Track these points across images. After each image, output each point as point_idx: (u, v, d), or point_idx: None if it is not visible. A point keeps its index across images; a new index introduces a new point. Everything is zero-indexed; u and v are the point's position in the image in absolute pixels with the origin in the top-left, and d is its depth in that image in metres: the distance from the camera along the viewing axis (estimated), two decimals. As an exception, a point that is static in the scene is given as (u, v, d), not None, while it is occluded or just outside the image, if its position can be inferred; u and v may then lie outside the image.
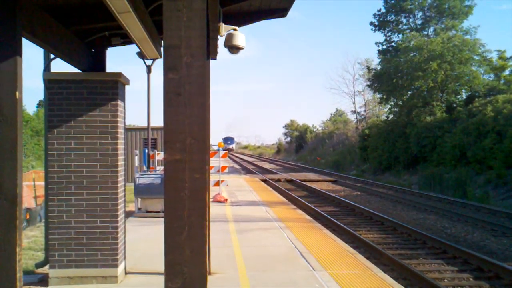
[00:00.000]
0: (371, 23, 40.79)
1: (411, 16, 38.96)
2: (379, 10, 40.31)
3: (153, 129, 22.35)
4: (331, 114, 74.14)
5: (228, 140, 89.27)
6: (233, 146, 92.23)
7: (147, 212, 12.70)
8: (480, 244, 11.86)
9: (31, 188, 14.14)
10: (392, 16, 39.51)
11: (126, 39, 6.52)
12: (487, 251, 11.08)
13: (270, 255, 8.47)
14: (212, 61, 7.73)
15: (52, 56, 6.96)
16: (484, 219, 14.98)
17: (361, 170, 37.93)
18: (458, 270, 9.34)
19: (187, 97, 2.36)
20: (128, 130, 24.35)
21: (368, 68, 46.67)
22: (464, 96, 31.98)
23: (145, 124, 17.91)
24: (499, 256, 10.61)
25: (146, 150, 16.43)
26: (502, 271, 8.79)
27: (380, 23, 40.09)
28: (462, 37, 32.25)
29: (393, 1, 38.90)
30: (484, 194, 20.35)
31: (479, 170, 23.02)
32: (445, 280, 8.73)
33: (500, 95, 25.91)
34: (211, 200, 12.91)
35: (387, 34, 40.11)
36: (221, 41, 7.17)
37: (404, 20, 39.49)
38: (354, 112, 57.48)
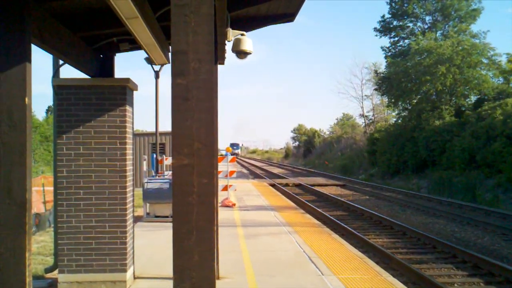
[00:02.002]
0: (376, 29, 40.75)
1: (418, 20, 38.87)
2: (383, 16, 40.30)
3: (161, 134, 22.41)
4: (337, 119, 74.10)
5: (233, 146, 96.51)
6: (238, 151, 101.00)
7: (156, 217, 12.73)
8: (491, 249, 11.77)
9: (40, 193, 14.22)
10: (396, 22, 39.42)
11: (134, 45, 6.54)
12: (497, 256, 11.00)
13: (279, 260, 8.45)
14: (219, 66, 7.75)
15: (60, 62, 7.01)
16: (494, 223, 14.86)
17: (369, 174, 37.79)
18: (468, 275, 9.27)
19: (195, 102, 2.36)
20: (136, 135, 24.44)
21: (376, 72, 46.60)
22: (473, 100, 31.83)
23: (153, 129, 17.96)
24: (510, 261, 10.51)
25: (155, 155, 16.48)
26: (513, 275, 8.72)
27: (385, 29, 40.01)
28: (471, 40, 32.12)
29: (397, 7, 38.82)
30: (494, 198, 20.20)
31: (489, 174, 22.86)
32: (455, 285, 8.67)
33: (509, 98, 25.75)
34: (219, 204, 12.91)
35: (393, 40, 40.04)
36: (228, 46, 7.19)
37: (411, 25, 39.42)
38: (362, 116, 57.36)
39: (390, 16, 39.80)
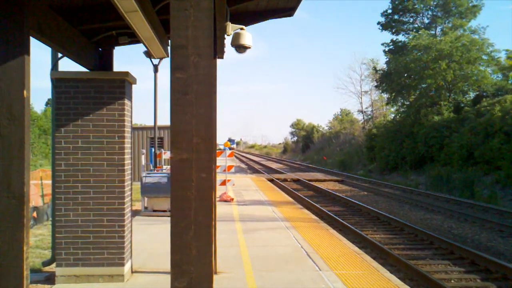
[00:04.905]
0: (379, 23, 40.70)
1: (418, 15, 38.81)
2: (386, 11, 40.25)
3: (160, 128, 22.40)
4: (334, 115, 74.13)
5: (229, 141, 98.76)
6: (233, 146, 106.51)
7: (154, 211, 12.74)
8: (488, 245, 11.79)
9: (39, 186, 14.21)
10: (398, 16, 39.38)
11: (133, 39, 6.53)
12: (494, 252, 11.02)
13: (277, 255, 8.47)
14: (218, 61, 7.73)
15: (59, 55, 6.99)
16: (491, 219, 14.89)
17: (368, 170, 37.83)
18: (465, 271, 9.29)
19: (194, 97, 2.36)
20: (135, 129, 24.41)
21: (375, 68, 46.58)
22: (472, 96, 31.83)
23: (152, 123, 17.94)
24: (507, 257, 10.54)
25: (153, 149, 16.47)
26: (510, 272, 8.73)
27: (387, 23, 39.98)
28: (471, 36, 32.10)
29: (398, 1, 38.75)
30: (492, 194, 20.23)
31: (487, 171, 22.89)
32: (452, 281, 8.68)
33: (508, 95, 25.75)
34: (217, 199, 12.92)
35: (394, 34, 39.99)
36: (228, 40, 7.17)
37: (411, 20, 39.37)
38: (361, 111, 57.40)
39: (391, 11, 39.73)
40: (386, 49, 39.97)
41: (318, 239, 9.88)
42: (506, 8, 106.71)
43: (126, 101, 6.55)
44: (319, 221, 12.68)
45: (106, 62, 6.92)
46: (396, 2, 38.93)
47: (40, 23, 4.53)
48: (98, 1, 5.58)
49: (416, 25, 38.72)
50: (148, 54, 11.30)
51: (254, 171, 38.23)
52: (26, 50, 3.65)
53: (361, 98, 57.59)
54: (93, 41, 6.59)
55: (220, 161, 16.76)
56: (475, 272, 9.20)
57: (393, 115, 43.20)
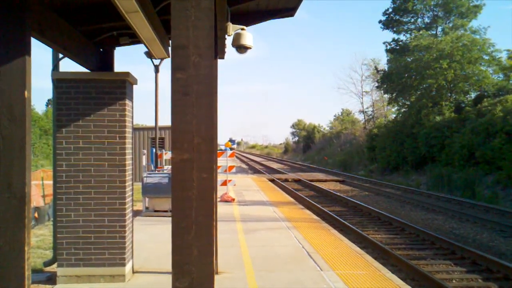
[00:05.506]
0: (380, 21, 40.70)
1: (419, 15, 38.81)
2: (387, 9, 40.26)
3: (161, 128, 22.38)
4: (335, 115, 74.14)
5: (230, 142, 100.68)
6: (234, 146, 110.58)
7: (155, 211, 12.74)
8: (489, 245, 11.78)
9: (40, 187, 14.21)
10: (398, 16, 39.38)
11: (134, 39, 6.53)
12: (496, 252, 11.01)
13: (278, 255, 8.46)
14: (219, 61, 7.73)
15: (60, 55, 6.99)
16: (493, 219, 14.88)
17: (369, 170, 37.80)
18: (467, 271, 9.28)
19: (195, 97, 2.36)
20: (136, 129, 24.42)
21: (376, 68, 46.55)
22: (473, 96, 31.80)
23: (153, 124, 17.95)
24: (508, 257, 10.53)
25: (154, 150, 16.47)
26: (511, 272, 8.73)
27: (388, 22, 39.98)
28: (471, 36, 32.07)
29: (399, 1, 38.74)
30: (493, 194, 20.21)
31: (488, 171, 22.86)
32: (454, 281, 8.67)
33: (509, 95, 25.70)
34: (218, 199, 12.91)
35: (395, 33, 39.99)
36: (228, 40, 7.18)
37: (412, 20, 39.38)
38: (362, 112, 57.38)
39: (392, 10, 39.73)
40: (388, 47, 39.97)
41: (319, 239, 9.88)
42: (506, 8, 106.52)
43: (127, 102, 6.55)
44: (320, 221, 12.67)
45: (107, 62, 6.92)
46: (397, 3, 38.92)
47: (41, 24, 4.53)
48: (99, 2, 5.58)
49: (417, 25, 38.72)
50: (149, 54, 11.29)
51: (255, 171, 38.23)
52: (27, 51, 3.65)
53: (362, 98, 57.64)
54: (94, 41, 6.59)
55: (221, 161, 16.76)
56: (476, 272, 9.20)
57: (394, 115, 43.20)
